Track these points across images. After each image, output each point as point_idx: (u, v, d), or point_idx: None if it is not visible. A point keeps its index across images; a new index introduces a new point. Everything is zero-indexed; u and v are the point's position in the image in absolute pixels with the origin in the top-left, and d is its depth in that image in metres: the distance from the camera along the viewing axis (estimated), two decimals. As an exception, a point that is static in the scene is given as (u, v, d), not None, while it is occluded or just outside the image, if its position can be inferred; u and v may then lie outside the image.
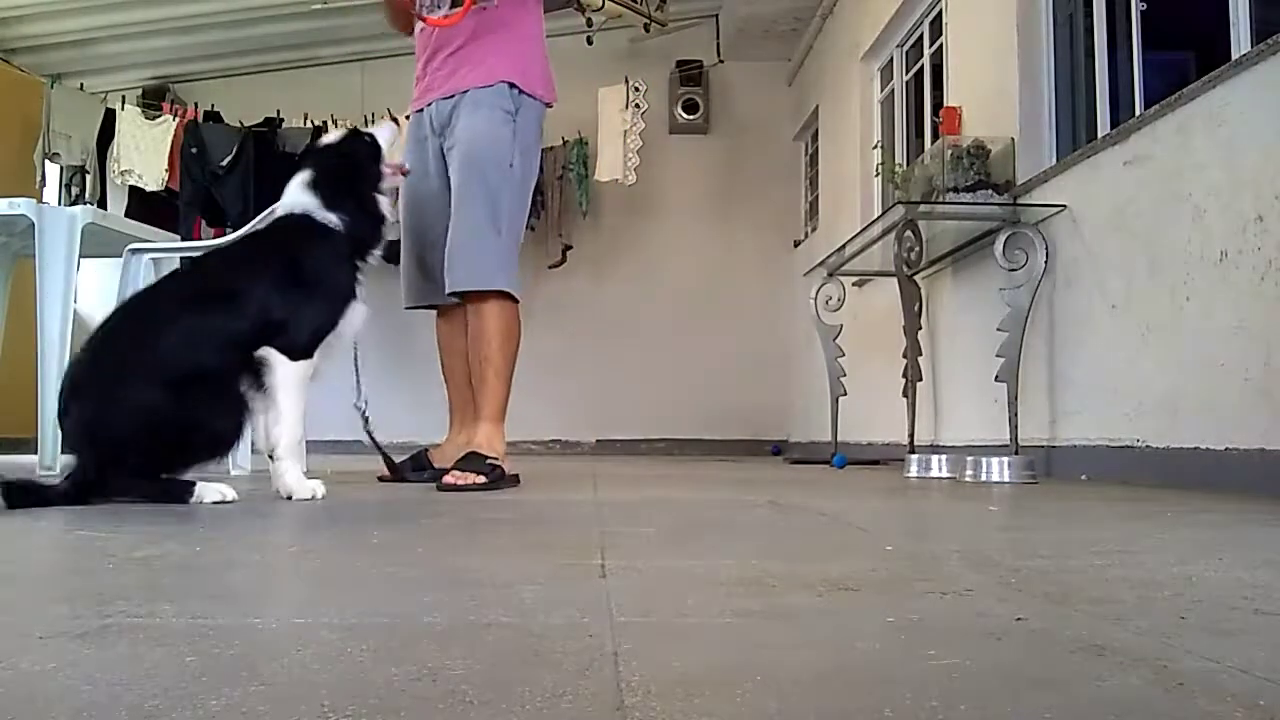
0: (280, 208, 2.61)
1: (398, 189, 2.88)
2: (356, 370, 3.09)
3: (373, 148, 2.72)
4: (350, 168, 2.66)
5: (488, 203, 3.05)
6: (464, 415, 3.29)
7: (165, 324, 2.32)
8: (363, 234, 2.60)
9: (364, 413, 3.15)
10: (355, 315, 2.56)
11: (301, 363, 2.42)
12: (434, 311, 3.41)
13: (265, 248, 2.56)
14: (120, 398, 2.20)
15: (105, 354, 2.30)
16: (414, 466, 3.30)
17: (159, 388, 2.21)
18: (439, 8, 3.18)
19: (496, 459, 3.00)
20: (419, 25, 3.24)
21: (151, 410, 2.19)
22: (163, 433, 2.21)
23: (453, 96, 3.14)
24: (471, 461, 2.94)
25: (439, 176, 3.21)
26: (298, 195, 2.59)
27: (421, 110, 3.24)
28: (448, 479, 2.86)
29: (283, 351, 2.39)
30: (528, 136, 3.18)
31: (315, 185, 2.60)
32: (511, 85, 3.11)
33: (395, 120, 2.81)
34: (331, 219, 2.55)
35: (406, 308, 3.38)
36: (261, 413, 2.43)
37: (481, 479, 2.87)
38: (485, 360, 3.09)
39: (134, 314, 2.44)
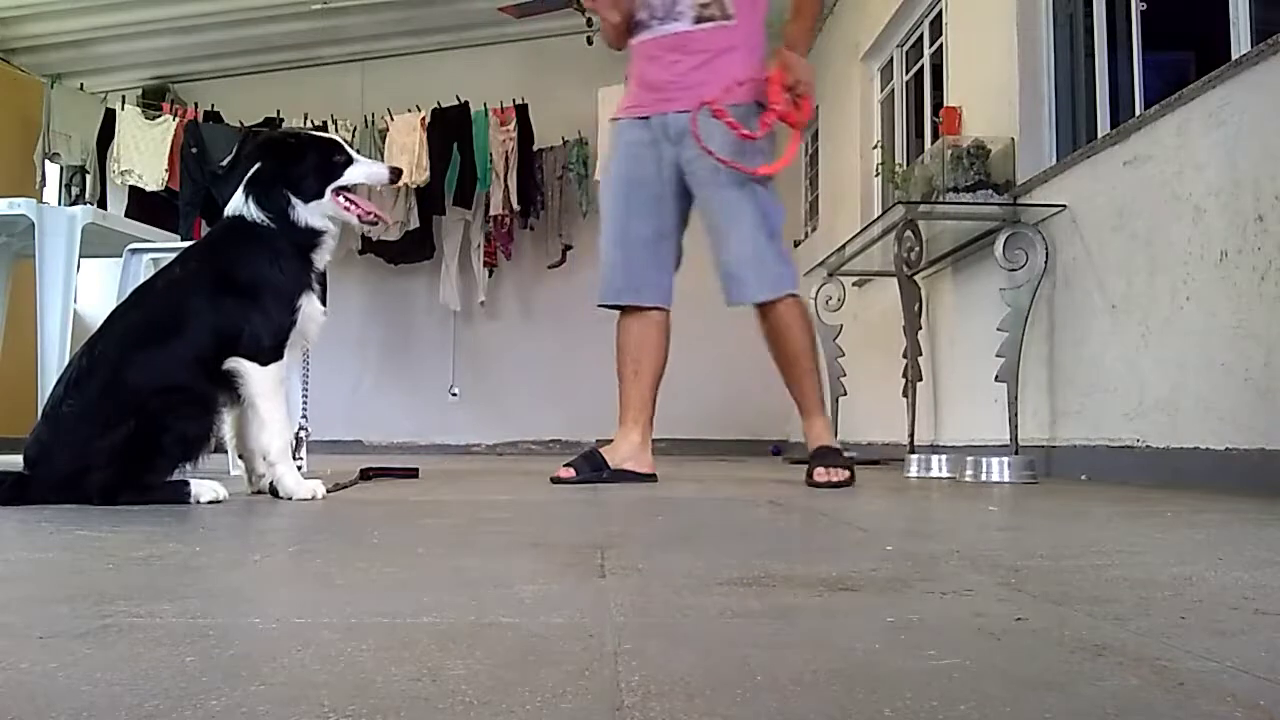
0: (227, 209, 2.54)
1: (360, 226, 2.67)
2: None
3: (330, 165, 2.51)
4: (287, 168, 2.48)
5: (758, 214, 3.16)
6: (641, 414, 3.43)
7: (122, 365, 2.29)
8: (296, 236, 2.46)
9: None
10: (311, 309, 2.47)
11: (272, 366, 2.40)
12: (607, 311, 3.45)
13: (206, 259, 2.49)
14: (99, 435, 2.21)
15: (71, 407, 2.27)
16: (590, 466, 3.30)
17: (131, 422, 2.21)
18: (675, 19, 3.19)
19: (847, 450, 3.12)
20: (643, 35, 3.25)
21: (128, 442, 2.21)
22: (146, 451, 2.23)
23: (691, 111, 3.15)
24: (831, 457, 3.07)
25: (669, 183, 3.26)
26: (237, 194, 2.50)
27: (648, 118, 3.26)
28: (820, 476, 2.97)
29: (251, 359, 2.37)
30: (771, 149, 3.24)
31: (252, 182, 2.48)
32: (759, 104, 3.14)
33: (396, 178, 2.67)
34: (262, 218, 2.43)
35: (600, 305, 3.43)
36: (246, 422, 2.44)
37: (846, 474, 2.99)
38: (798, 357, 3.24)
39: (92, 356, 2.35)
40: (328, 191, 2.49)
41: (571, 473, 3.25)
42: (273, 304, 2.41)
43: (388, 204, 7.91)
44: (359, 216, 2.56)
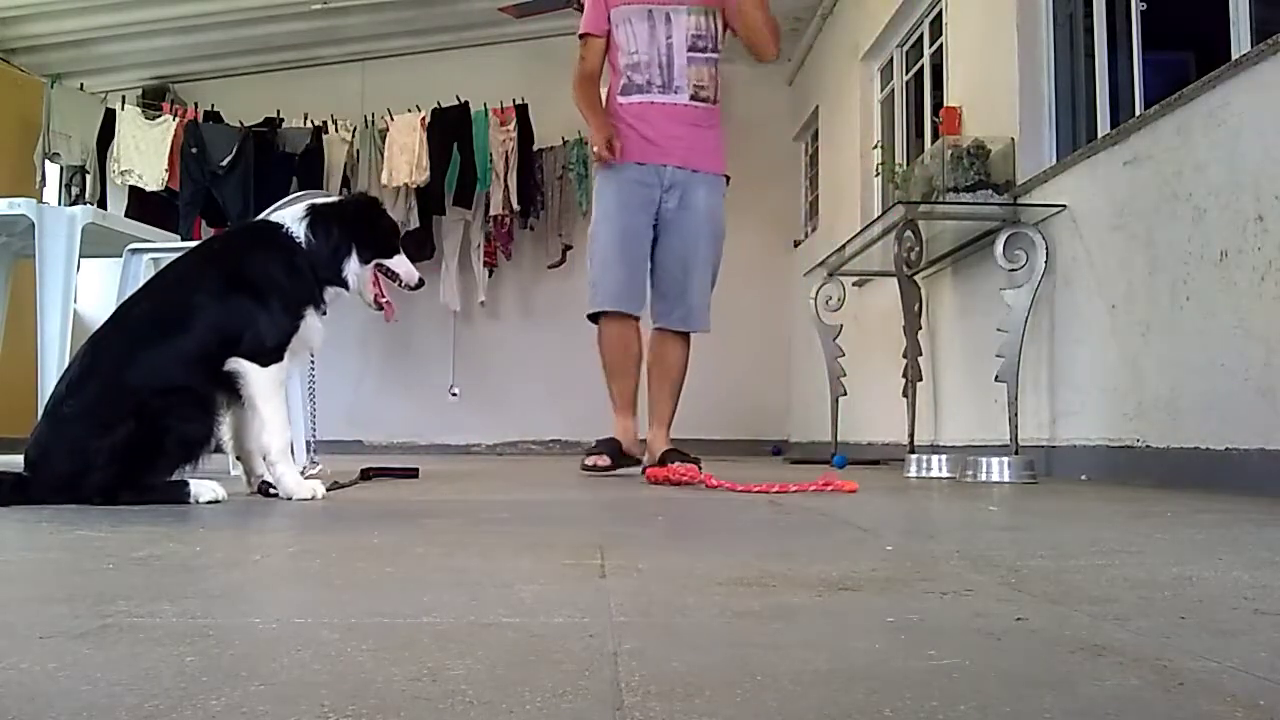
0: (270, 214, 2.59)
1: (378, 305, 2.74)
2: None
3: (390, 245, 2.67)
4: (372, 232, 2.62)
5: (713, 267, 4.03)
6: (633, 404, 4.04)
7: (125, 363, 2.29)
8: (324, 274, 2.52)
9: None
10: (314, 321, 2.50)
11: (272, 368, 2.41)
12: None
13: (222, 256, 2.52)
14: (100, 436, 2.20)
15: (71, 407, 2.27)
16: (616, 455, 3.91)
17: (131, 422, 2.21)
18: (675, 93, 3.91)
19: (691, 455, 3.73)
20: (640, 98, 3.94)
21: (128, 442, 2.20)
22: (147, 452, 2.23)
23: (684, 169, 3.93)
24: (679, 456, 3.65)
25: (650, 217, 3.95)
26: (294, 213, 2.55)
27: (645, 165, 3.92)
28: (664, 471, 3.31)
29: (251, 360, 2.37)
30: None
31: (316, 211, 2.54)
32: (726, 178, 4.11)
33: (420, 287, 2.81)
34: (300, 235, 2.49)
35: (595, 311, 3.96)
36: (244, 423, 2.45)
37: (695, 467, 3.38)
38: (674, 381, 4.00)
39: (95, 352, 2.36)
40: (372, 262, 2.64)
41: (607, 461, 3.86)
42: (280, 307, 2.43)
43: (388, 204, 7.91)
44: (375, 296, 2.70)
